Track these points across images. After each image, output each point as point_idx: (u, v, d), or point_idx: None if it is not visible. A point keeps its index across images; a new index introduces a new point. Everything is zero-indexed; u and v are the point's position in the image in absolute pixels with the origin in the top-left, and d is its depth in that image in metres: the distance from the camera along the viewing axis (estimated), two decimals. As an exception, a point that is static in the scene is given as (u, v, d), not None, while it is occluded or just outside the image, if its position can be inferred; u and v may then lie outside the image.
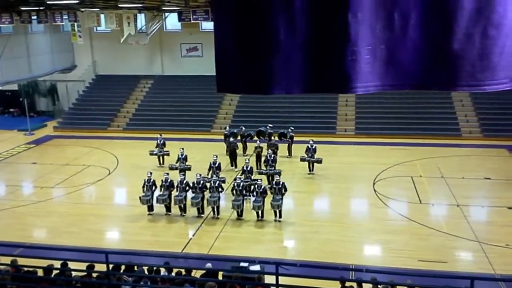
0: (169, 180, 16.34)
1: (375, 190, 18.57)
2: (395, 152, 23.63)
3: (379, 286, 9.18)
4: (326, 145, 23.80)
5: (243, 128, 23.99)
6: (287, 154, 22.72)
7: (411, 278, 9.24)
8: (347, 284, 9.37)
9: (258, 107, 29.62)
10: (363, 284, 9.42)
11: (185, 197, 16.30)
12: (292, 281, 7.54)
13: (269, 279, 9.48)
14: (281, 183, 15.88)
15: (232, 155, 21.35)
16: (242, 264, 10.67)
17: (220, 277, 9.59)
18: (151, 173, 16.97)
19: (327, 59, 2.36)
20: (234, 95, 29.71)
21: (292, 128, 23.47)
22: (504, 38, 2.31)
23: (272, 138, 22.72)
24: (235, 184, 16.14)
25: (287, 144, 22.97)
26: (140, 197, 16.32)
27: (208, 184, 16.33)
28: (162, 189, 16.34)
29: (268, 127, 23.93)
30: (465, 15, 2.26)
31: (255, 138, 23.41)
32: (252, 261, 10.96)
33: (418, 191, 18.36)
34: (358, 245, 14.42)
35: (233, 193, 16.04)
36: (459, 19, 2.26)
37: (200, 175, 16.82)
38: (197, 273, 10.53)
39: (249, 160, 18.87)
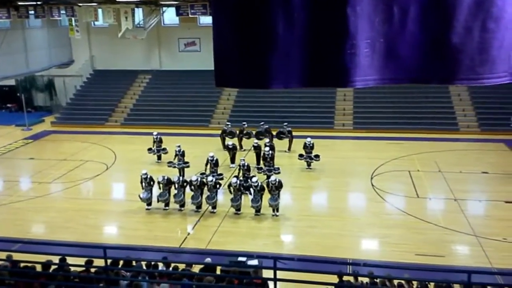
0: (166, 178, 16.30)
1: (372, 185, 18.60)
2: (393, 146, 23.66)
3: (376, 280, 9.23)
4: (324, 139, 23.80)
5: (246, 125, 23.78)
6: (287, 149, 22.70)
7: (408, 272, 9.29)
8: (345, 278, 9.41)
9: (256, 101, 29.57)
10: (361, 278, 9.46)
11: (184, 192, 16.29)
12: (290, 275, 7.55)
13: (267, 274, 9.49)
14: (277, 180, 15.85)
15: (232, 153, 21.10)
16: (240, 258, 10.67)
17: (218, 272, 9.61)
18: (146, 174, 16.53)
19: (326, 53, 2.36)
20: (232, 90, 29.66)
21: (286, 123, 23.28)
22: (503, 31, 2.31)
23: (266, 135, 22.50)
24: (232, 182, 16.08)
25: (288, 139, 22.84)
26: (140, 196, 16.29)
27: (205, 180, 16.31)
28: (161, 186, 16.30)
29: (262, 124, 23.50)
30: (464, 8, 2.25)
31: (254, 138, 23.23)
32: (250, 256, 10.98)
33: (416, 185, 18.40)
34: (356, 239, 14.45)
35: (230, 191, 16.03)
36: (458, 12, 2.26)
37: (200, 174, 16.75)
38: (195, 268, 10.56)
39: (244, 159, 18.59)
